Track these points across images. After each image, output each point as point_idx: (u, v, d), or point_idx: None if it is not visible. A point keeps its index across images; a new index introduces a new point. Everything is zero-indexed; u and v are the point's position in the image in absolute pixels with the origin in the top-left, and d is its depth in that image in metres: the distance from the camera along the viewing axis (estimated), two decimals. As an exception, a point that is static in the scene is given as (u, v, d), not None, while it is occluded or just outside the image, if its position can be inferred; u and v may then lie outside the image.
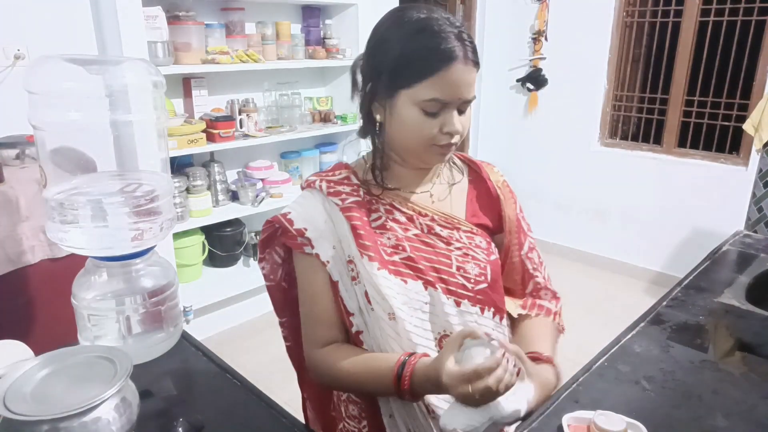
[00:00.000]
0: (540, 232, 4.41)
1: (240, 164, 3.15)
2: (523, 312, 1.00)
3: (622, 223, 3.76)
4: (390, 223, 0.88)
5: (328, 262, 0.87)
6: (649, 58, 3.64)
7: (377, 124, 0.87)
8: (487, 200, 0.98)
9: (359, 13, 3.14)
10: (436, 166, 0.95)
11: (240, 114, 2.89)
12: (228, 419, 1.01)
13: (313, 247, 0.87)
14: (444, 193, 0.95)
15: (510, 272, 0.99)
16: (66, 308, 1.18)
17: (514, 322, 1.00)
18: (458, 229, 0.92)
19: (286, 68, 3.10)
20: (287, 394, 2.50)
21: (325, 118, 3.30)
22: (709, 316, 1.43)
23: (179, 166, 2.78)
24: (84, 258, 1.16)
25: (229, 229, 3.00)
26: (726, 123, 3.32)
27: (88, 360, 0.90)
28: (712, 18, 3.25)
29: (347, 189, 0.89)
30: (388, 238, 0.87)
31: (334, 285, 0.88)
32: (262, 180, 3.10)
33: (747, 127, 3.07)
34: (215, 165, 2.89)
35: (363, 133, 0.93)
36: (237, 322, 3.07)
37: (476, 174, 1.00)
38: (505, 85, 4.08)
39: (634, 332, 1.35)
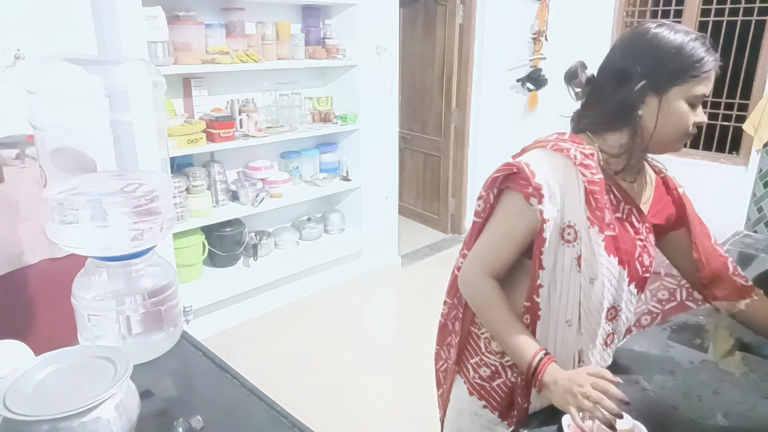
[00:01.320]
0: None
1: (240, 164, 3.15)
2: (747, 301, 1.18)
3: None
4: (607, 203, 1.01)
5: (548, 220, 0.98)
6: (649, 58, 3.64)
7: (638, 117, 1.01)
8: (666, 205, 1.16)
9: (359, 13, 3.13)
10: (644, 163, 1.13)
11: (240, 114, 2.89)
12: (228, 419, 1.01)
13: (541, 203, 0.98)
14: (642, 188, 1.12)
15: (710, 259, 1.17)
16: (66, 308, 1.18)
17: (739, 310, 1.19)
18: (643, 223, 1.08)
19: (286, 68, 3.10)
20: (287, 394, 2.51)
21: (325, 118, 3.30)
22: (709, 316, 1.43)
23: (179, 166, 2.78)
24: (84, 258, 1.16)
25: (229, 229, 3.00)
26: (726, 123, 3.32)
27: (88, 360, 0.90)
28: (712, 18, 3.25)
29: (593, 164, 1.00)
30: (605, 215, 1.00)
31: (540, 241, 0.99)
32: (262, 180, 3.10)
33: (747, 127, 3.07)
34: (215, 165, 2.89)
35: (612, 126, 1.05)
36: (237, 322, 3.07)
37: (660, 179, 1.18)
38: (505, 85, 4.07)
39: (634, 332, 1.35)
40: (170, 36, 2.50)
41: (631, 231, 1.06)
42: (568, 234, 1.00)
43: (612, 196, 1.04)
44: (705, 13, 3.26)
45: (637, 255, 1.05)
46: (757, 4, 3.07)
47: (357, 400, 2.47)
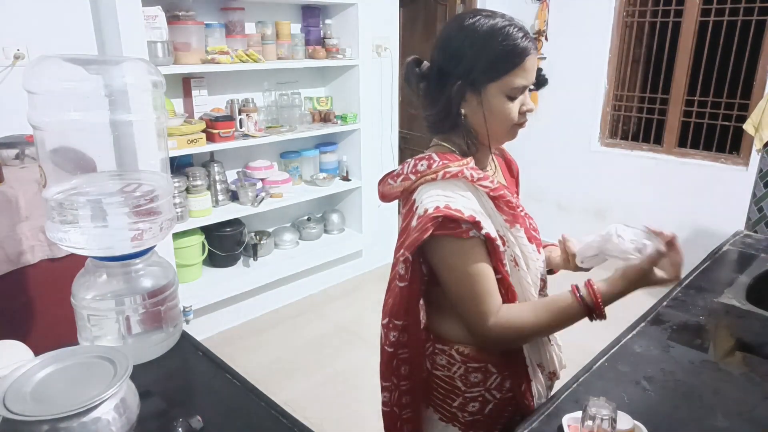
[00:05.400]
0: (540, 232, 4.42)
1: (240, 164, 3.15)
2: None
3: (623, 223, 3.75)
4: (506, 192, 1.03)
5: (495, 238, 0.98)
6: (649, 57, 3.64)
7: (462, 117, 1.01)
8: (509, 172, 1.24)
9: (359, 12, 3.13)
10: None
11: (240, 114, 2.89)
12: (228, 419, 1.01)
13: (480, 229, 0.96)
14: (495, 169, 1.15)
15: None
16: (66, 308, 1.18)
17: None
18: (512, 193, 1.11)
19: (286, 68, 3.10)
20: (287, 394, 2.51)
21: (325, 118, 3.30)
22: (710, 316, 1.43)
23: (179, 166, 2.78)
24: (84, 258, 1.16)
25: (228, 229, 3.00)
26: (726, 123, 3.32)
27: (87, 360, 0.90)
28: (712, 18, 3.25)
29: (482, 174, 1.01)
30: (514, 209, 1.03)
31: (499, 256, 0.99)
32: (262, 180, 3.09)
33: (747, 127, 3.07)
34: (215, 165, 2.89)
35: (444, 128, 1.05)
36: (237, 322, 3.07)
37: (498, 153, 1.24)
38: (505, 85, 4.07)
39: (634, 332, 1.35)
40: (170, 36, 2.50)
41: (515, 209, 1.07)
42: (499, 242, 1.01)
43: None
44: (705, 13, 3.26)
45: (528, 225, 1.08)
46: (758, 4, 3.07)
47: (357, 400, 2.47)
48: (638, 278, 0.98)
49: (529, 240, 1.06)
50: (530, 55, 0.98)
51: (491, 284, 0.99)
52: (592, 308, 0.97)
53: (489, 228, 0.97)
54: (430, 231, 0.95)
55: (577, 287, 0.99)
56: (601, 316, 0.98)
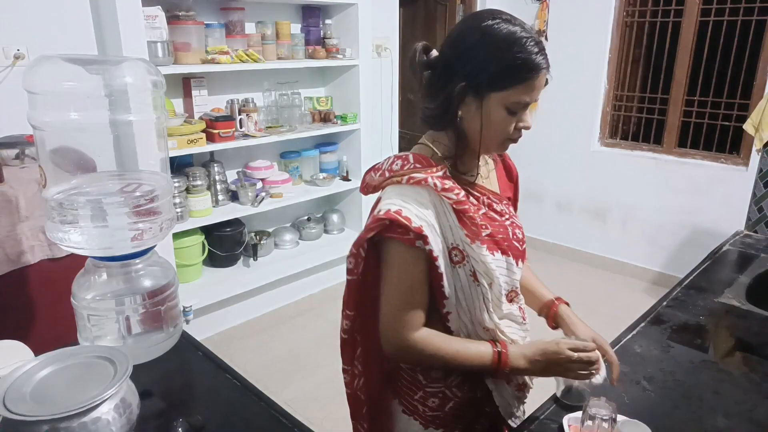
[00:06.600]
0: (540, 232, 4.44)
1: (240, 164, 3.15)
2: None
3: (622, 223, 3.76)
4: (471, 206, 1.00)
5: (437, 257, 0.96)
6: (649, 57, 3.64)
7: (458, 118, 0.99)
8: (508, 177, 1.20)
9: (359, 12, 3.13)
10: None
11: (240, 114, 2.89)
12: (228, 419, 1.01)
13: (427, 243, 0.95)
14: (486, 174, 1.12)
15: None
16: (66, 308, 1.18)
17: None
18: (502, 202, 1.09)
19: (286, 68, 3.10)
20: (287, 394, 2.51)
21: (324, 118, 3.30)
22: (710, 317, 1.43)
23: (179, 166, 2.78)
24: (84, 258, 1.16)
25: (228, 229, 3.00)
26: (726, 123, 3.32)
27: (87, 360, 0.90)
28: (712, 18, 3.25)
29: (450, 184, 0.98)
30: (478, 223, 1.01)
31: (438, 276, 0.98)
32: (262, 180, 3.10)
33: (747, 127, 3.07)
34: (215, 165, 2.89)
35: (438, 124, 1.04)
36: (237, 322, 3.07)
37: (498, 156, 1.21)
38: (505, 85, 4.07)
39: (634, 332, 1.35)
40: (170, 36, 2.50)
41: (498, 217, 1.05)
42: (456, 256, 0.99)
43: (472, 198, 1.03)
44: (705, 12, 3.26)
45: (511, 235, 1.05)
46: (757, 4, 3.07)
47: (357, 400, 2.47)
48: (554, 365, 0.99)
49: (504, 252, 1.03)
50: (541, 73, 0.95)
51: (421, 299, 0.99)
52: (497, 368, 0.99)
53: (434, 245, 0.96)
54: (373, 232, 0.96)
55: (496, 343, 1.01)
56: (501, 371, 1.00)
